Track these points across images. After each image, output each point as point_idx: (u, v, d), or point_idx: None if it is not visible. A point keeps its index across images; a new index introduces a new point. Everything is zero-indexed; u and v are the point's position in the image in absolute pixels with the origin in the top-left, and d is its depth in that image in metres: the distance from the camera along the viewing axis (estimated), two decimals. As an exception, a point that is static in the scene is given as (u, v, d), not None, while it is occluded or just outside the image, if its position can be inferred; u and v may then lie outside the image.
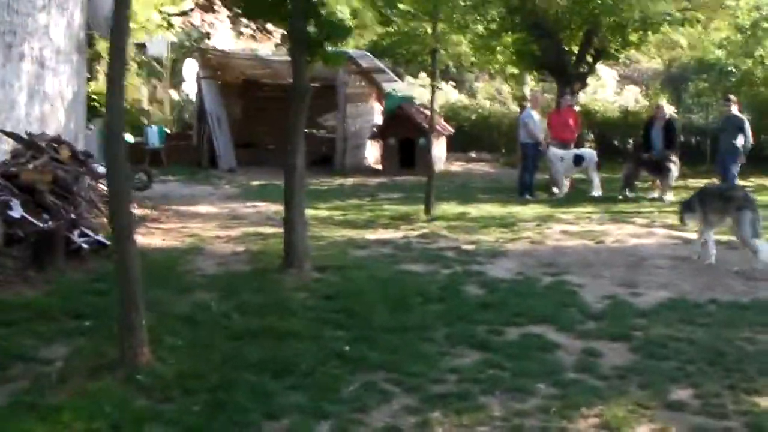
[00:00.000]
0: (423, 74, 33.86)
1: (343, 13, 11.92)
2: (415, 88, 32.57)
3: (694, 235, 14.26)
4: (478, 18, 18.52)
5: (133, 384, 7.39)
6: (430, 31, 17.55)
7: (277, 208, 17.28)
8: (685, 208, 13.71)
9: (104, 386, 7.30)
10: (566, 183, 21.19)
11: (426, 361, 8.22)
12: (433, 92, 17.88)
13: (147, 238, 14.75)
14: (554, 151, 20.90)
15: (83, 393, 7.18)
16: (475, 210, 18.32)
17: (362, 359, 8.23)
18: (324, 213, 18.17)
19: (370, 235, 15.64)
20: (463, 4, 17.61)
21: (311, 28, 12.10)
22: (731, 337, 9.12)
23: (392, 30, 18.38)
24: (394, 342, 8.80)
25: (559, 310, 10.22)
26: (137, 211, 16.62)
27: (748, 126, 19.22)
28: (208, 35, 32.54)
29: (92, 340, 8.72)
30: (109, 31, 8.03)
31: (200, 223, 16.74)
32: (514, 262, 13.15)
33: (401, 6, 17.10)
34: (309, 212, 17.14)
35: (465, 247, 14.36)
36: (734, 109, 19.65)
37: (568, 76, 23.40)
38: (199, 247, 14.30)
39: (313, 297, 10.95)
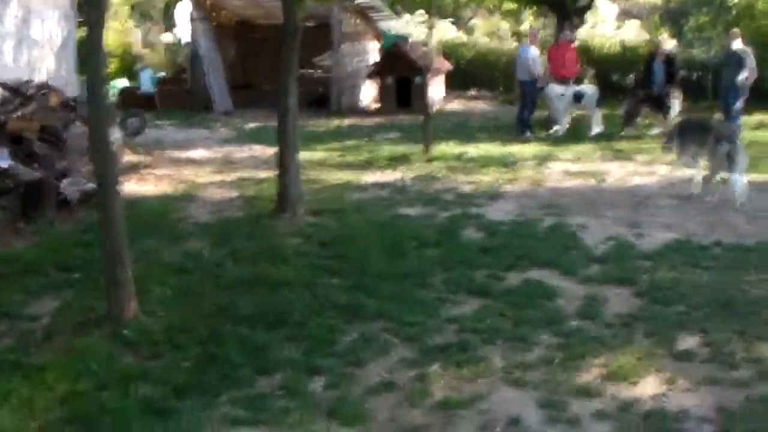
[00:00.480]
0: (421, 11, 33.39)
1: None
2: (412, 25, 32.09)
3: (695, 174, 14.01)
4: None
5: (121, 340, 7.16)
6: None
7: (272, 151, 17.00)
8: (667, 139, 14.11)
9: (90, 343, 7.08)
10: (566, 120, 20.77)
11: (424, 310, 8.02)
12: (430, 28, 17.47)
13: (140, 185, 14.50)
14: (553, 88, 20.47)
15: (69, 351, 6.97)
16: (473, 149, 17.89)
17: (358, 308, 8.03)
18: (321, 155, 17.74)
19: (368, 177, 15.33)
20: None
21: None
22: (738, 282, 8.86)
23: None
24: (390, 289, 8.58)
25: (561, 254, 9.97)
26: (130, 157, 16.31)
27: (751, 60, 18.71)
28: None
29: (80, 294, 8.51)
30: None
31: (194, 169, 16.37)
32: (514, 204, 12.86)
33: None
34: (305, 155, 16.73)
35: (463, 188, 14.06)
36: (736, 44, 19.12)
37: (567, 11, 22.90)
38: (192, 194, 14.01)
39: (308, 243, 10.75)
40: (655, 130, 20.41)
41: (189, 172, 16.03)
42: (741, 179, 12.51)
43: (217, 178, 15.44)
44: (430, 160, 16.64)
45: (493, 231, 11.13)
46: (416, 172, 15.52)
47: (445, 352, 7.00)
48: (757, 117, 23.22)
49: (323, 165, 16.65)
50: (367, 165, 16.63)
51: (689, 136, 13.31)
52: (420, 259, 9.81)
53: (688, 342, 7.13)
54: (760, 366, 6.62)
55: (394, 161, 16.79)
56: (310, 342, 7.21)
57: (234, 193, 13.98)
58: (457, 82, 29.96)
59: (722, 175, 12.87)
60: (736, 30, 19.82)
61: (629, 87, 25.60)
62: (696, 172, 13.31)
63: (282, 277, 8.89)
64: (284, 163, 12.08)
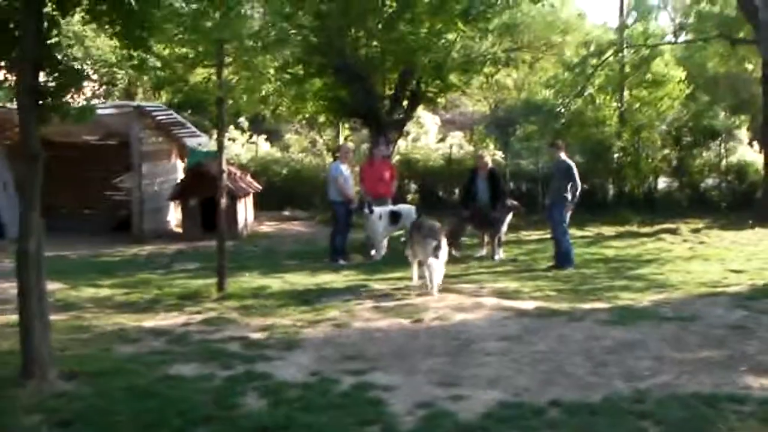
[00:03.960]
0: (231, 127, 31.51)
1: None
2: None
3: (526, 305, 12.83)
4: (269, 61, 16.01)
5: None
6: (215, 77, 15.03)
7: (58, 286, 15.36)
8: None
9: None
10: (383, 244, 18.87)
11: None
12: (220, 147, 15.33)
13: None
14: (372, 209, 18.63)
15: None
16: (277, 282, 15.89)
17: None
18: (105, 292, 15.56)
19: (149, 321, 12.99)
20: (251, 44, 15.06)
21: (44, 77, 9.57)
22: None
23: (169, 75, 15.77)
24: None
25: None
26: None
27: (574, 171, 17.28)
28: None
29: None
30: None
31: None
32: (311, 356, 10.65)
33: (180, 50, 14.67)
34: (89, 292, 15.27)
35: (254, 335, 11.80)
36: (562, 154, 17.72)
37: (382, 124, 21.07)
38: None
39: (45, 423, 8.29)
40: (482, 252, 18.77)
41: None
42: (440, 267, 14.38)
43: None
44: (223, 298, 14.39)
45: (278, 398, 8.90)
46: (205, 315, 13.23)
47: None
48: (592, 230, 22.27)
49: (103, 305, 14.31)
50: (153, 305, 14.31)
51: (413, 236, 15.18)
52: (177, 450, 7.49)
53: None
54: None
55: (184, 299, 14.52)
56: None
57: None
58: (271, 202, 27.94)
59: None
60: (559, 141, 18.38)
61: (453, 204, 23.99)
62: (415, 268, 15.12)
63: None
64: (26, 321, 9.59)
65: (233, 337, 11.74)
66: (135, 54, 11.50)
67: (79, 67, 9.99)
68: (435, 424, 7.95)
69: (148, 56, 12.34)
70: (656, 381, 9.27)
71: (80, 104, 10.55)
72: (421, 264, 14.92)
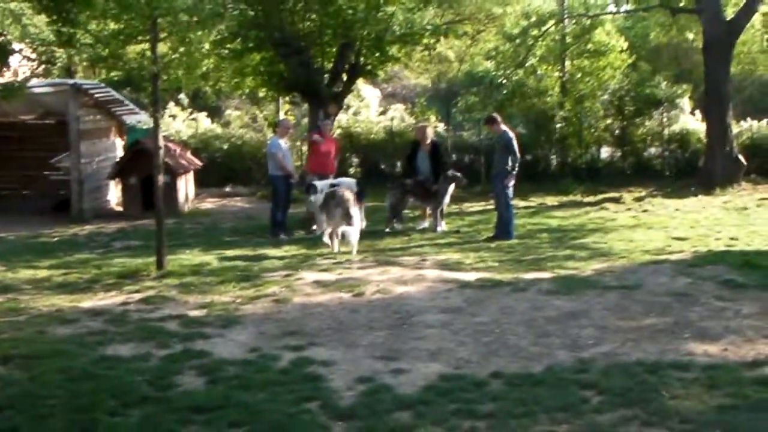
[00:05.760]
0: (171, 104, 31.04)
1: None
2: (163, 119, 29.64)
3: (469, 276, 12.73)
4: (205, 35, 15.65)
5: None
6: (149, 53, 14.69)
7: None
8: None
9: None
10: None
11: None
12: (155, 124, 15.00)
13: None
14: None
15: None
16: (217, 259, 15.60)
17: None
18: (43, 273, 15.19)
19: (87, 301, 12.69)
20: (186, 18, 14.71)
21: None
22: (524, 436, 6.71)
23: (102, 51, 15.38)
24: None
25: (295, 410, 7.60)
26: None
27: (514, 143, 17.13)
28: None
29: None
30: None
31: None
32: (250, 332, 10.44)
33: (113, 26, 14.31)
34: (27, 273, 14.99)
35: (193, 313, 11.55)
36: (503, 126, 17.55)
37: (322, 98, 20.75)
38: None
39: (-20, 408, 8.02)
40: (424, 224, 18.60)
41: None
42: (354, 231, 15.89)
43: None
44: (163, 276, 14.10)
45: (216, 376, 8.71)
46: (143, 293, 12.94)
47: None
48: (535, 200, 22.20)
49: (40, 286, 14.00)
50: (91, 284, 14.00)
51: (327, 205, 16.48)
52: (110, 433, 7.25)
53: None
54: None
55: (123, 278, 14.21)
56: None
57: None
58: (212, 178, 27.55)
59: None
60: (495, 114, 18.21)
61: (395, 177, 23.74)
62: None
63: None
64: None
65: (172, 315, 11.51)
66: (64, 30, 11.23)
67: (5, 41, 9.66)
68: (375, 399, 7.80)
69: (77, 31, 12.06)
70: (600, 350, 9.20)
71: (13, 83, 10.27)
72: (333, 231, 16.33)
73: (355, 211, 16.37)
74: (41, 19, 22.93)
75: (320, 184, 18.16)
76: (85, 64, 32.07)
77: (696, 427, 6.89)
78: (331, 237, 16.46)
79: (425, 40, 22.34)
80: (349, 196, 16.59)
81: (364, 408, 7.56)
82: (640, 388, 7.84)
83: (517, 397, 7.73)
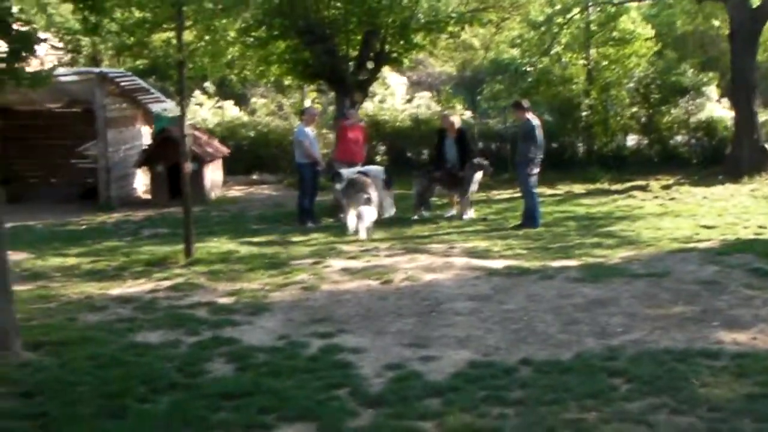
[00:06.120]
0: (198, 92, 31.12)
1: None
2: (189, 107, 29.70)
3: (497, 264, 12.74)
4: (230, 23, 15.69)
5: None
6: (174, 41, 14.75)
7: (24, 256, 15.11)
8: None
9: None
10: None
11: None
12: (181, 112, 15.07)
13: None
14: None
15: None
16: (245, 247, 15.65)
17: None
18: (72, 261, 15.23)
19: (116, 288, 12.79)
20: (211, 6, 14.75)
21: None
22: (553, 424, 6.77)
23: (128, 39, 15.45)
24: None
25: (325, 396, 7.67)
26: None
27: (537, 132, 17.07)
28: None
29: None
30: None
31: None
32: (279, 320, 10.52)
33: (138, 14, 14.37)
34: (55, 261, 14.95)
35: (222, 300, 11.63)
36: (528, 114, 17.48)
37: (347, 86, 20.74)
38: None
39: (10, 394, 8.12)
40: (452, 211, 18.61)
41: None
42: (369, 212, 16.45)
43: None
44: (191, 264, 14.16)
45: (245, 363, 8.78)
46: (173, 281, 13.04)
47: None
48: (562, 188, 22.17)
49: (70, 273, 14.09)
50: (120, 272, 14.09)
51: (349, 191, 17.15)
52: (142, 419, 7.31)
53: None
54: None
55: (152, 266, 14.29)
56: None
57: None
58: (239, 166, 27.56)
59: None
60: (524, 101, 18.10)
61: (421, 165, 23.73)
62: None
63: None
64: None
65: (201, 302, 11.59)
66: (90, 17, 11.26)
67: (31, 30, 9.69)
68: (404, 386, 7.84)
69: (103, 19, 12.09)
70: (628, 338, 9.21)
71: (40, 72, 10.30)
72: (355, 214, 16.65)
73: (375, 195, 16.93)
74: (67, 8, 23.05)
75: (346, 172, 18.17)
76: (110, 52, 32.10)
77: (725, 416, 6.89)
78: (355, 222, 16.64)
79: (450, 28, 22.28)
80: (369, 181, 17.24)
81: (393, 395, 7.61)
82: (669, 376, 7.85)
83: (546, 384, 7.76)
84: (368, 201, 16.58)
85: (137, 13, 14.66)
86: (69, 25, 30.66)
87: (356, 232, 16.35)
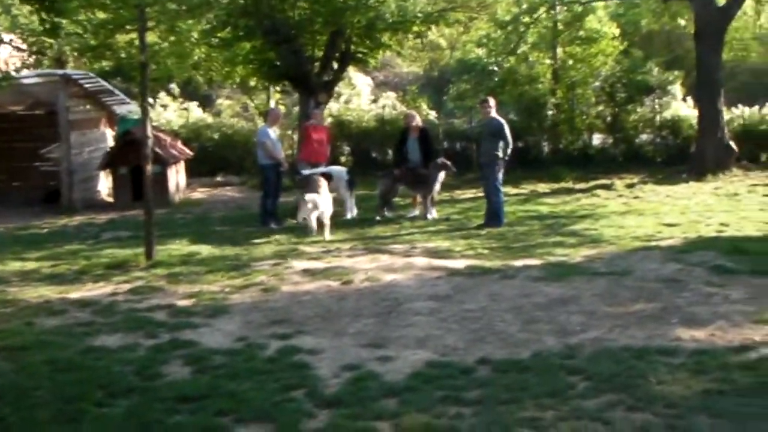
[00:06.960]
0: (163, 94, 30.94)
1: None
2: (154, 108, 29.54)
3: (458, 264, 12.76)
4: (195, 24, 15.59)
5: None
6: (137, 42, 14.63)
7: None
8: None
9: None
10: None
11: None
12: (144, 112, 14.94)
13: None
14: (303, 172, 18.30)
15: None
16: (207, 249, 15.55)
17: None
18: (31, 265, 15.11)
19: (75, 292, 12.65)
20: (174, 7, 14.63)
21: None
22: (509, 422, 6.74)
23: (93, 42, 15.34)
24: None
25: (281, 398, 7.58)
26: None
27: (506, 130, 17.07)
28: None
29: None
30: None
31: None
32: (238, 321, 10.43)
33: (100, 15, 14.26)
34: (15, 266, 14.80)
35: (181, 303, 11.53)
36: (493, 112, 17.46)
37: (312, 86, 20.67)
38: None
39: (-35, 401, 7.98)
40: (415, 212, 18.56)
41: None
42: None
43: None
44: (151, 267, 14.06)
45: (203, 366, 8.69)
46: (132, 284, 12.92)
47: None
48: (527, 187, 22.17)
49: (29, 278, 13.95)
50: (80, 276, 13.94)
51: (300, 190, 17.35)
52: (99, 424, 7.22)
53: None
54: None
55: (112, 269, 14.16)
56: None
57: None
58: (203, 168, 27.44)
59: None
60: (491, 99, 18.05)
61: (386, 166, 23.69)
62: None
63: None
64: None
65: (160, 305, 11.48)
66: (48, 18, 11.16)
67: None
68: (361, 386, 7.77)
69: (63, 21, 11.99)
70: (587, 336, 9.18)
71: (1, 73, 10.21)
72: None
73: (325, 192, 16.93)
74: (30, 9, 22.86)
75: (308, 173, 18.11)
76: (75, 54, 31.91)
77: (681, 412, 6.86)
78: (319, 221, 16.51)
79: (416, 28, 22.25)
80: (322, 180, 17.22)
81: (350, 395, 7.54)
82: (627, 373, 7.82)
83: (504, 383, 7.70)
84: (315, 198, 16.50)
85: (100, 15, 14.54)
86: (33, 26, 30.46)
87: (305, 221, 16.55)
